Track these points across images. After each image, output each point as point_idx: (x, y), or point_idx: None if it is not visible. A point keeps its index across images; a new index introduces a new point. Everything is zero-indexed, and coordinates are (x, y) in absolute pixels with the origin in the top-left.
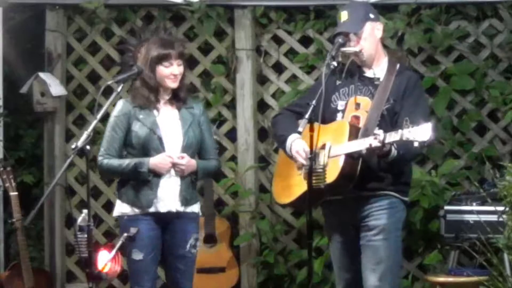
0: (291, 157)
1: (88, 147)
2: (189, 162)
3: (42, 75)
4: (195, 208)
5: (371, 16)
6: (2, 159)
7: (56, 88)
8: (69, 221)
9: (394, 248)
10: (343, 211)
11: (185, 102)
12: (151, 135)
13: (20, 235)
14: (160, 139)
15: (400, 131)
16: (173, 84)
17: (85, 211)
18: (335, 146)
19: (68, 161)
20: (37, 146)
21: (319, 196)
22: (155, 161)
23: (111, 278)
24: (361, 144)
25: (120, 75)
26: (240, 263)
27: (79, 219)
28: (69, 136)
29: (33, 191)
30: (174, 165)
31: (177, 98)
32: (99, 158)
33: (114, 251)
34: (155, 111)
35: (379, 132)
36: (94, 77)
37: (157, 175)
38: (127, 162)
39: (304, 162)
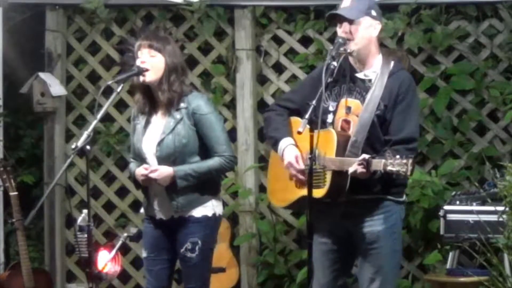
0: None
1: (88, 147)
2: (161, 174)
3: (42, 75)
4: (198, 212)
5: (373, 13)
6: (2, 159)
7: (56, 88)
8: (69, 221)
9: (391, 254)
10: (335, 212)
11: (177, 108)
12: (136, 144)
13: (20, 235)
14: (139, 149)
15: (383, 161)
16: (142, 77)
17: (85, 211)
18: (323, 158)
19: (68, 161)
20: (37, 146)
21: (313, 202)
22: (136, 172)
23: (111, 278)
24: (347, 165)
25: (120, 75)
26: (240, 263)
27: (79, 219)
28: (69, 136)
29: (33, 191)
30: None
31: (171, 105)
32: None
33: (114, 251)
34: (145, 119)
35: (364, 159)
36: (94, 77)
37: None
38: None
39: (299, 175)
